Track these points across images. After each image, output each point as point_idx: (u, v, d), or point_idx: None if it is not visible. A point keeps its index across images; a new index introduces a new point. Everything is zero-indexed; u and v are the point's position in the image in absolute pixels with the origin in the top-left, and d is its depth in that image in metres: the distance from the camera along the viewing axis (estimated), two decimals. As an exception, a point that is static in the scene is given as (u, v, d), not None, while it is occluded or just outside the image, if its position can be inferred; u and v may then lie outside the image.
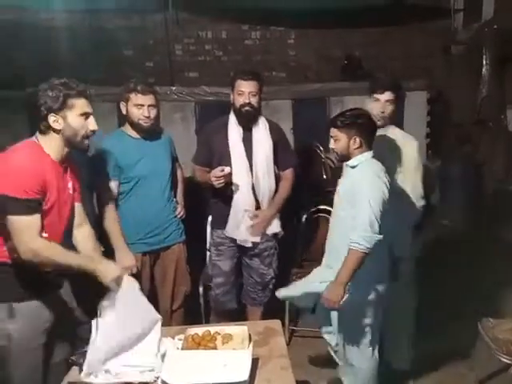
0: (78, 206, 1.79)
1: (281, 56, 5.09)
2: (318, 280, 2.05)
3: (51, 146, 1.62)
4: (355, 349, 2.06)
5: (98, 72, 4.51)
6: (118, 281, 1.61)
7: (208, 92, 4.68)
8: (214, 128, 2.51)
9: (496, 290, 3.16)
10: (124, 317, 1.58)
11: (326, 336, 2.26)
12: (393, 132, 2.28)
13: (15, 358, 1.62)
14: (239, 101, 2.38)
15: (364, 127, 1.97)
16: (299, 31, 5.08)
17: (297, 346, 2.79)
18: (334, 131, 1.98)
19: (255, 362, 1.58)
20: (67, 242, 1.73)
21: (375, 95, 2.22)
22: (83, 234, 1.79)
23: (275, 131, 2.54)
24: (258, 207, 2.47)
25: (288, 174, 2.59)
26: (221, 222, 2.49)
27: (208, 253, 2.73)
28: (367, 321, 2.03)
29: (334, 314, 2.10)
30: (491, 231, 4.17)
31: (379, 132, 2.15)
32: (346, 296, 1.90)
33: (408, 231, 2.25)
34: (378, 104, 2.21)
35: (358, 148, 1.96)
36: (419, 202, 2.25)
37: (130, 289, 1.65)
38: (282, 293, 2.22)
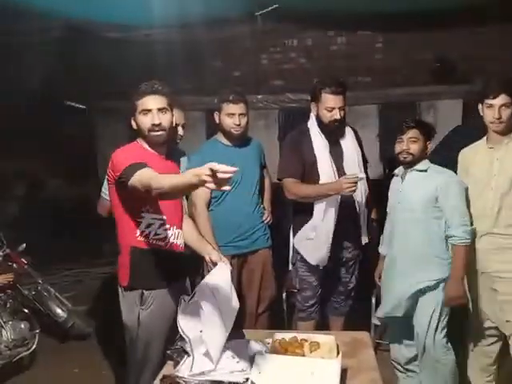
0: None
1: (367, 61, 4.96)
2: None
3: (145, 142, 1.82)
4: (439, 342, 2.09)
5: (189, 82, 4.76)
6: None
7: (292, 99, 4.72)
8: (297, 139, 2.45)
9: None
10: (208, 300, 1.62)
11: (404, 350, 2.26)
12: None
13: (141, 341, 1.78)
14: (328, 117, 2.32)
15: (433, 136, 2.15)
16: (387, 35, 4.91)
17: (382, 360, 2.67)
18: (415, 132, 2.08)
19: (343, 373, 1.56)
20: None
21: (488, 100, 2.00)
22: (187, 224, 1.95)
23: (357, 137, 2.51)
24: (355, 216, 2.43)
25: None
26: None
27: (290, 258, 2.73)
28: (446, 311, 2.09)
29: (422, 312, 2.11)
30: None
31: (504, 141, 2.03)
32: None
33: None
34: (492, 110, 1.99)
35: (427, 154, 2.12)
36: None
37: (222, 275, 1.71)
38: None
